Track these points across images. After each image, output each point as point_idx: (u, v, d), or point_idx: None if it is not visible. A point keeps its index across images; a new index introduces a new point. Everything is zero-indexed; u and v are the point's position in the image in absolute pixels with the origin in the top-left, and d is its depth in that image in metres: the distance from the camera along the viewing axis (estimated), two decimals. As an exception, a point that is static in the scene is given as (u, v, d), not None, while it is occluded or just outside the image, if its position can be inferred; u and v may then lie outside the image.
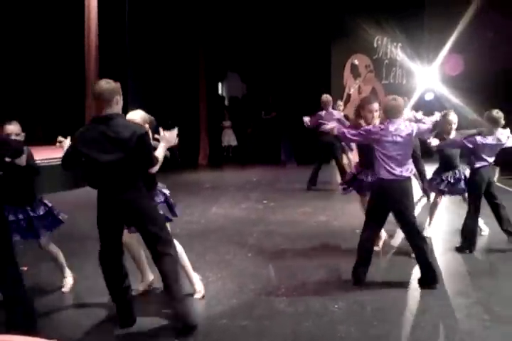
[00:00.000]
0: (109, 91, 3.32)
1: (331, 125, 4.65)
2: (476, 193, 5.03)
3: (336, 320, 3.58)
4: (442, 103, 12.29)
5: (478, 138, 4.93)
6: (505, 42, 10.54)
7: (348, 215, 6.71)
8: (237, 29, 13.40)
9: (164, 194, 3.96)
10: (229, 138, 14.76)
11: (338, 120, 8.04)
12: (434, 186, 5.55)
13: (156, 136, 3.74)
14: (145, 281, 4.19)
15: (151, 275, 4.17)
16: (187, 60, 12.67)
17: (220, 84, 16.63)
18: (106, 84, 3.36)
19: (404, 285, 4.27)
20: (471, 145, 4.92)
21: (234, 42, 13.90)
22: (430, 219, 5.66)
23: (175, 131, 3.67)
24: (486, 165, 4.97)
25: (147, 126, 3.87)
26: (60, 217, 4.24)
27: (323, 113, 8.45)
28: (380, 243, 5.13)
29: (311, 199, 7.88)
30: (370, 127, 4.26)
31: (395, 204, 4.08)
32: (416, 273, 4.52)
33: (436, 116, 4.58)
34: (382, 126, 4.11)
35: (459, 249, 5.05)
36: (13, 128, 4.03)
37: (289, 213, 7.05)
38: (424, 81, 12.51)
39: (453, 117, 5.20)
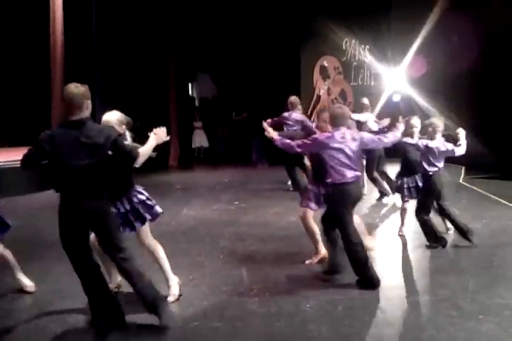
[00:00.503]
0: (80, 96, 3.33)
1: (273, 134, 4.52)
2: (428, 197, 5.22)
3: (307, 320, 3.60)
4: (409, 104, 12.55)
5: (422, 141, 5.12)
6: (469, 44, 10.84)
7: (318, 215, 6.76)
8: (208, 30, 13.36)
9: (144, 194, 3.96)
10: (200, 139, 14.70)
11: (302, 122, 7.67)
12: (398, 191, 5.75)
13: (128, 134, 3.77)
14: (113, 282, 4.14)
15: (119, 276, 4.13)
16: (156, 60, 12.57)
17: (190, 85, 16.55)
18: (75, 88, 3.35)
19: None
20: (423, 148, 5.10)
21: (204, 43, 13.86)
22: (401, 224, 5.80)
23: (164, 129, 3.70)
24: (437, 171, 5.11)
25: (124, 127, 3.90)
26: (7, 221, 4.11)
27: (287, 114, 8.10)
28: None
29: (282, 200, 7.92)
30: (316, 136, 4.34)
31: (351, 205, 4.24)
32: (387, 272, 4.60)
33: (401, 127, 4.72)
34: (329, 134, 4.22)
35: (429, 246, 5.17)
36: None
37: (260, 214, 7.07)
38: (391, 82, 12.74)
39: (415, 121, 5.37)
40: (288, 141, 4.40)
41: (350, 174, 4.17)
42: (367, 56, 13.15)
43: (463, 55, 10.90)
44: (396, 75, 12.65)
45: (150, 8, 12.00)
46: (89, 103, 3.38)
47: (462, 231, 5.16)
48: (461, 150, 5.16)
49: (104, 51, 11.55)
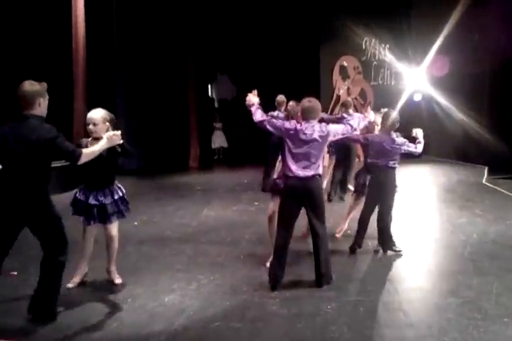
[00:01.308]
0: (32, 93, 3.46)
1: (253, 99, 4.42)
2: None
3: (328, 321, 3.59)
4: (430, 103, 12.41)
5: (368, 136, 5.12)
6: (490, 43, 10.67)
7: (339, 216, 6.73)
8: (227, 31, 13.41)
9: (122, 190, 4.29)
10: (220, 140, 14.76)
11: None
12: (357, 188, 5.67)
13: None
14: (81, 273, 4.36)
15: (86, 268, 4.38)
16: (177, 62, 12.65)
17: (209, 86, 16.62)
18: (29, 85, 3.48)
19: (395, 285, 4.30)
20: (363, 141, 5.13)
21: (224, 44, 13.91)
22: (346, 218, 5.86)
23: (119, 133, 3.78)
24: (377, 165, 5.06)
25: (107, 124, 4.08)
26: None
27: (276, 113, 8.26)
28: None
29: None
30: (286, 123, 4.29)
31: (307, 199, 4.18)
32: (409, 273, 4.55)
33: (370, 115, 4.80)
34: (298, 125, 4.19)
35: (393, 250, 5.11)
36: None
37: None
38: (412, 82, 12.61)
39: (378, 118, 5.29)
40: (260, 113, 4.31)
41: (298, 169, 4.11)
42: (387, 55, 13.04)
43: (485, 54, 10.73)
44: (417, 74, 12.51)
45: (170, 10, 12.10)
46: (42, 101, 3.51)
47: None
48: (418, 148, 5.15)
49: (125, 53, 11.68)
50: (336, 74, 12.70)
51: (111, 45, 11.38)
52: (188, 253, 5.19)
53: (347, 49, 12.66)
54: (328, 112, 12.27)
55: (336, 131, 4.29)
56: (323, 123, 4.31)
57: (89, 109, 4.25)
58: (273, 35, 12.91)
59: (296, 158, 4.14)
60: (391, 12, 12.38)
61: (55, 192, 8.57)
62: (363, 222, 5.17)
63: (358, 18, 11.71)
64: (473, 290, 4.06)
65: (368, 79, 13.14)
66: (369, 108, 5.07)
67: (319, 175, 4.20)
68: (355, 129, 4.45)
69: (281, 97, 8.53)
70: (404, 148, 5.05)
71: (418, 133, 5.20)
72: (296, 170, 4.13)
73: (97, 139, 3.94)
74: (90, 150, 3.67)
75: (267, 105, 15.11)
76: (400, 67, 12.82)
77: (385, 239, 5.08)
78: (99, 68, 10.87)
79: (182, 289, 4.25)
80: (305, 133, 4.14)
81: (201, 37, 13.00)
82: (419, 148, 5.14)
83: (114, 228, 4.29)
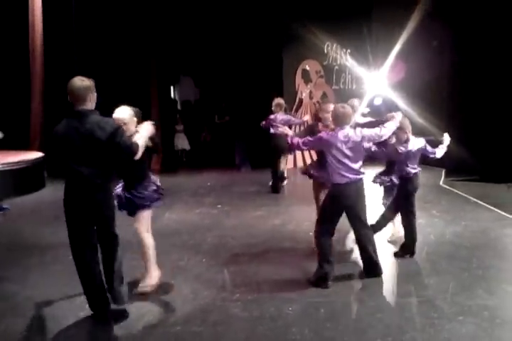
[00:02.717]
0: (84, 89, 3.48)
1: (287, 131, 4.72)
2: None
3: (290, 323, 3.61)
4: (390, 107, 12.66)
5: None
6: (448, 50, 11.00)
7: (301, 219, 6.79)
8: (190, 33, 13.33)
9: (156, 185, 4.26)
10: (182, 142, 14.64)
11: (289, 121, 8.64)
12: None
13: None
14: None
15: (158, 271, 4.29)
16: (139, 62, 12.48)
17: (172, 88, 16.47)
18: (80, 81, 3.50)
19: (355, 286, 4.37)
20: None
21: (186, 46, 13.83)
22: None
23: (151, 122, 3.87)
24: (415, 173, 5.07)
25: (135, 119, 4.08)
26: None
27: (273, 116, 8.84)
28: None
29: (265, 204, 7.92)
30: (321, 135, 4.43)
31: (351, 205, 4.35)
32: (362, 275, 4.63)
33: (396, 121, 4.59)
34: (333, 133, 4.34)
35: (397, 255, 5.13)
36: None
37: (243, 217, 7.06)
38: (372, 86, 12.85)
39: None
40: (296, 139, 4.51)
41: (346, 175, 4.26)
42: (348, 60, 13.26)
43: (443, 60, 11.07)
44: (377, 79, 12.76)
45: (131, 11, 11.94)
46: (92, 96, 3.53)
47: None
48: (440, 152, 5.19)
49: (85, 54, 11.43)
50: (299, 78, 12.81)
51: (70, 45, 11.11)
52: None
53: (309, 53, 12.79)
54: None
55: (368, 135, 4.35)
56: (358, 128, 4.42)
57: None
58: (236, 38, 12.91)
59: (338, 165, 4.28)
60: (352, 17, 12.59)
61: (13, 195, 8.39)
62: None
63: (319, 22, 11.85)
64: (431, 290, 4.16)
65: (330, 83, 13.32)
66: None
67: (361, 178, 4.36)
68: (381, 136, 4.43)
69: (279, 100, 9.05)
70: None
71: (446, 139, 5.20)
72: (340, 176, 4.28)
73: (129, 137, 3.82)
74: (140, 141, 3.64)
75: (229, 108, 15.05)
76: (361, 71, 13.06)
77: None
78: (58, 68, 10.60)
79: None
80: (341, 140, 4.27)
81: (164, 38, 12.88)
82: (438, 153, 5.15)
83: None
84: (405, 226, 5.11)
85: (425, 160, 5.35)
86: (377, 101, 13.01)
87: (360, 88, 13.37)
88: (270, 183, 9.15)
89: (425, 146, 5.09)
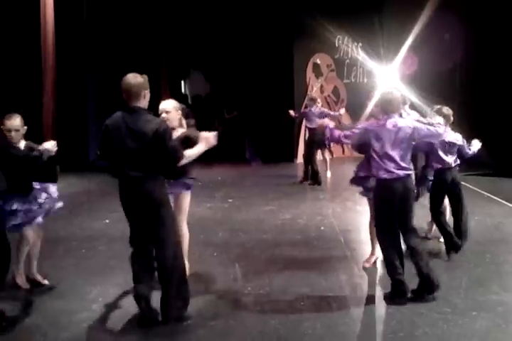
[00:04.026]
0: (138, 86, 3.43)
1: (327, 122, 4.24)
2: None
3: (302, 318, 3.60)
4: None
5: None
6: (461, 42, 10.87)
7: (312, 213, 6.78)
8: (200, 27, 13.31)
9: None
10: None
11: (321, 113, 8.87)
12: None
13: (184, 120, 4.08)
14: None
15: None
16: (149, 57, 12.49)
17: (183, 83, 16.47)
18: (134, 78, 3.45)
19: (367, 281, 4.35)
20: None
21: (197, 40, 13.80)
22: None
23: (215, 133, 3.78)
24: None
25: (179, 112, 4.16)
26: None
27: (307, 109, 9.21)
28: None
29: (276, 198, 7.92)
30: (365, 125, 4.00)
31: (399, 203, 3.81)
32: (380, 270, 4.61)
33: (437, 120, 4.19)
34: (379, 123, 3.86)
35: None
36: (12, 124, 4.01)
37: (254, 211, 7.06)
38: (384, 79, 12.74)
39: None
40: (337, 132, 4.02)
41: (392, 170, 3.75)
42: (359, 53, 13.15)
43: (455, 53, 10.94)
44: (389, 72, 12.65)
45: (143, 6, 11.93)
46: (147, 93, 3.49)
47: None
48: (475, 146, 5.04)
49: (96, 50, 11.48)
50: (310, 72, 12.75)
51: (82, 39, 11.16)
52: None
53: (320, 47, 12.72)
54: (302, 109, 12.34)
55: (422, 129, 3.80)
56: (409, 117, 4.01)
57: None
58: (246, 32, 12.87)
59: (383, 159, 3.75)
60: (363, 11, 12.48)
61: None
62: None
63: (331, 16, 11.77)
64: (444, 285, 4.12)
65: (341, 77, 13.23)
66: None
67: (409, 175, 3.84)
68: (440, 136, 3.95)
69: (313, 95, 9.31)
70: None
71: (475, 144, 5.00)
72: (385, 171, 3.75)
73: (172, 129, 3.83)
74: (190, 153, 3.59)
75: (239, 102, 15.09)
76: (372, 65, 12.95)
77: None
78: (69, 63, 10.65)
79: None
80: (389, 130, 3.75)
81: (174, 33, 12.88)
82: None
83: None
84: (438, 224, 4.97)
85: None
86: (389, 95, 12.90)
87: (371, 81, 13.26)
88: (302, 177, 9.27)
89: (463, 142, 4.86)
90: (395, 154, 3.75)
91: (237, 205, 7.53)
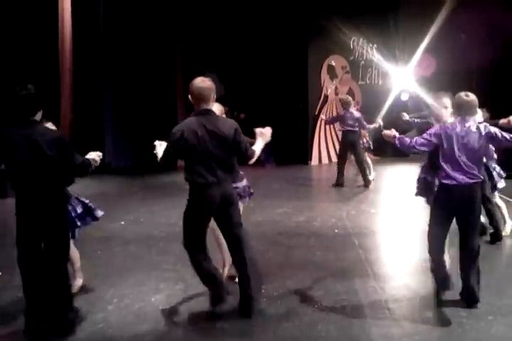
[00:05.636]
0: (208, 89, 3.57)
1: (391, 132, 3.94)
2: None
3: (316, 320, 3.60)
4: (417, 103, 12.47)
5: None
6: (477, 43, 10.77)
7: (326, 215, 6.77)
8: (216, 29, 13.37)
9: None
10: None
11: (358, 119, 8.74)
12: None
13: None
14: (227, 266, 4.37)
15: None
16: (164, 59, 12.59)
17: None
18: (202, 82, 3.58)
19: (381, 284, 4.33)
20: None
21: (212, 42, 13.86)
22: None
23: (269, 129, 3.88)
24: None
25: (224, 116, 4.19)
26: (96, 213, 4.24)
27: (343, 112, 9.08)
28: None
29: (290, 200, 7.91)
30: (434, 130, 3.78)
31: (461, 210, 3.71)
32: (393, 272, 4.57)
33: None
34: (450, 125, 3.71)
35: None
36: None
37: (268, 213, 7.06)
38: (399, 81, 12.67)
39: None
40: (407, 139, 3.83)
41: (457, 176, 3.62)
42: (375, 55, 13.09)
43: (472, 53, 10.84)
44: (404, 74, 12.58)
45: (159, 9, 12.03)
46: (214, 96, 3.63)
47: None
48: None
49: (113, 51, 11.59)
50: (324, 74, 12.72)
51: (98, 43, 11.28)
52: (175, 253, 5.14)
53: (335, 48, 12.68)
54: (316, 112, 12.31)
55: (499, 139, 3.63)
56: (484, 123, 3.86)
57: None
58: (261, 34, 12.88)
59: (450, 163, 3.63)
60: (379, 12, 12.43)
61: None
62: None
63: (346, 17, 11.74)
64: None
65: (356, 79, 13.19)
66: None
67: (478, 184, 3.68)
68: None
69: (347, 97, 9.32)
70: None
71: None
72: (449, 177, 3.63)
73: None
74: (257, 150, 3.75)
75: (253, 105, 15.10)
76: (387, 66, 12.88)
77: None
78: (87, 66, 10.78)
79: (169, 289, 4.23)
80: (458, 134, 3.62)
81: (189, 35, 12.94)
82: None
83: None
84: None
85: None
86: (404, 97, 12.84)
87: (386, 83, 13.20)
88: (335, 181, 8.96)
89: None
90: (462, 159, 3.63)
91: (251, 207, 7.49)
